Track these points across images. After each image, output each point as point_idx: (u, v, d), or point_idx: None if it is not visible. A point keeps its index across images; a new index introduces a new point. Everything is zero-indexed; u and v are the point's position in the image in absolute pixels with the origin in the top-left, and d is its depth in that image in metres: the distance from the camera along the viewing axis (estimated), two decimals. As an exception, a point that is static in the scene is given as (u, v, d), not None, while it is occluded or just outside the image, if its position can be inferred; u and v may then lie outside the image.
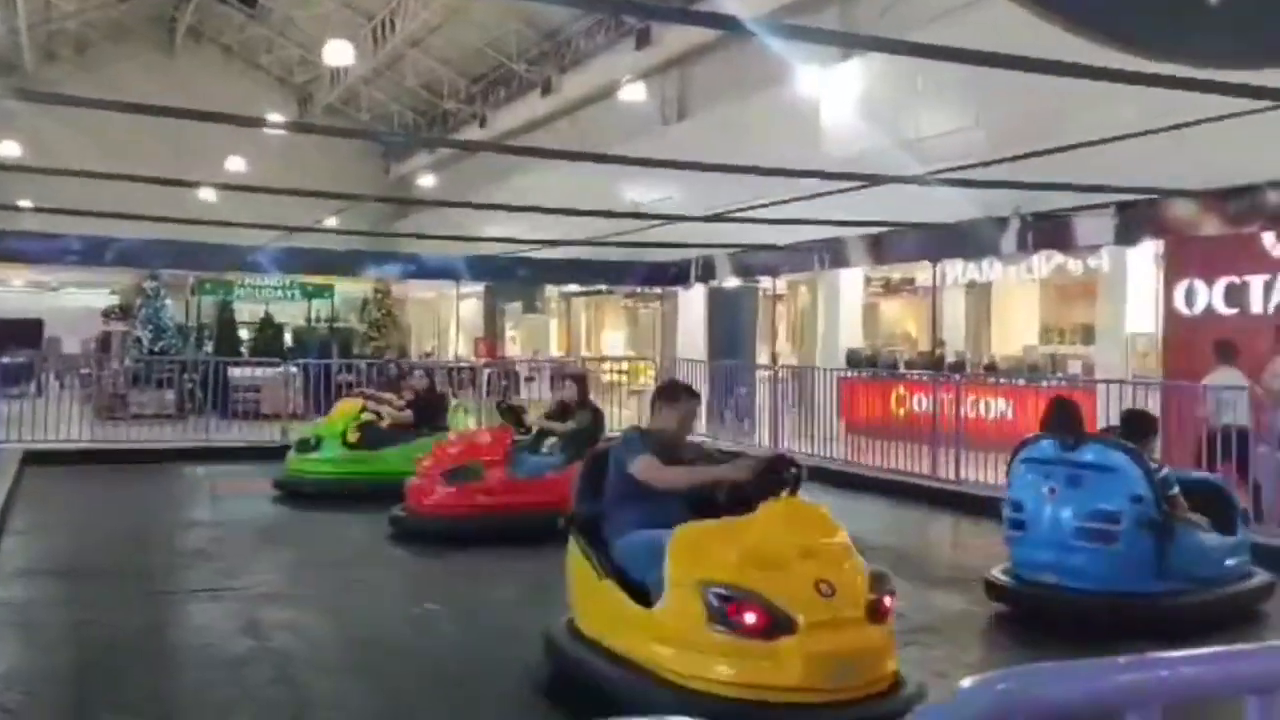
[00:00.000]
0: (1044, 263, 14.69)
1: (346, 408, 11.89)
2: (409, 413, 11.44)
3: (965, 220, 12.13)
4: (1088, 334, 15.09)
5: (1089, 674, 1.50)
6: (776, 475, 4.95)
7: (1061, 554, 6.40)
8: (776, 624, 4.26)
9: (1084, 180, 9.58)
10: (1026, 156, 9.68)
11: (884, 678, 4.47)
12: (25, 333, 22.41)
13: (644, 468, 5.01)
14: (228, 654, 5.77)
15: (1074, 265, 14.08)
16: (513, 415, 9.88)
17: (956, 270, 16.45)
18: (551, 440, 9.60)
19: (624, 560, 4.89)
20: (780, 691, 4.24)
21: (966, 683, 1.41)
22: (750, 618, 4.26)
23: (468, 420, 12.43)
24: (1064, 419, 6.98)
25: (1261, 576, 6.83)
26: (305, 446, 11.35)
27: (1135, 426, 6.97)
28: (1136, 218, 10.59)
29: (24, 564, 7.90)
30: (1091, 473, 6.43)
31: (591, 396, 10.19)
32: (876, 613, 4.47)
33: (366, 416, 11.48)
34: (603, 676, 4.68)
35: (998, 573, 6.86)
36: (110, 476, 12.62)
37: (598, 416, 9.70)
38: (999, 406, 12.68)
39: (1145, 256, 11.83)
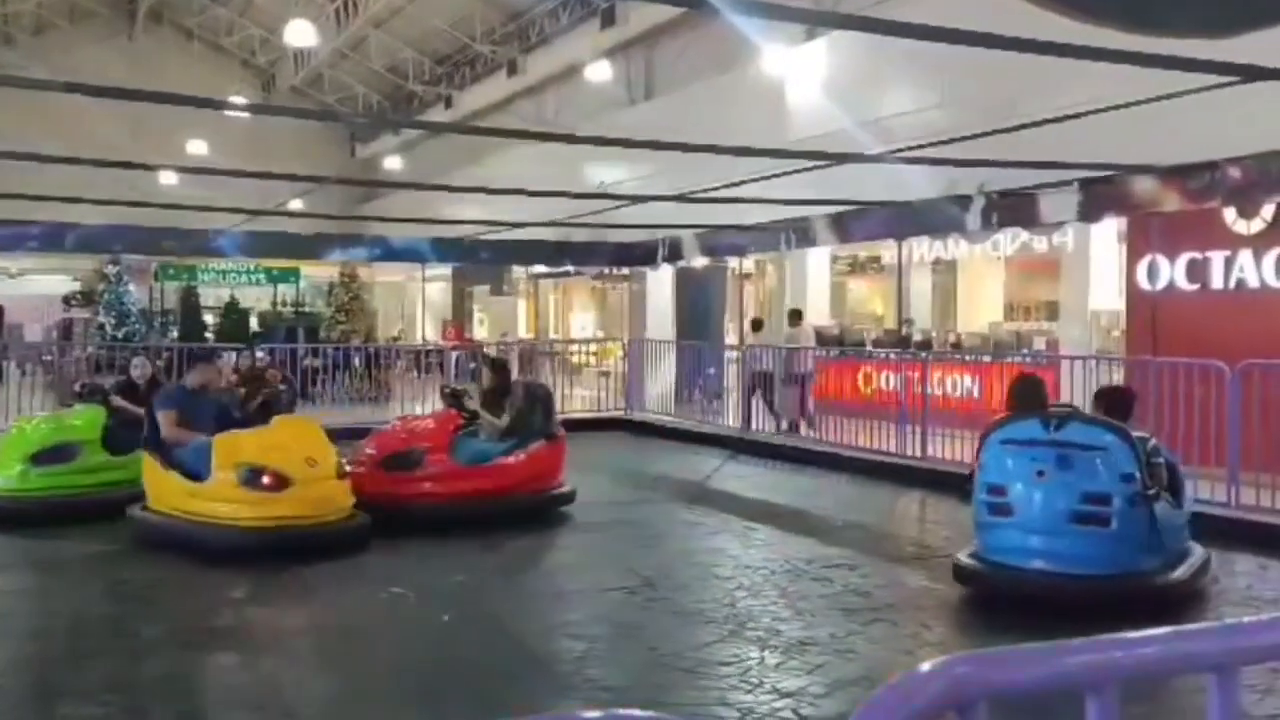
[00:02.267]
0: (1009, 241, 14.77)
1: None
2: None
3: (930, 199, 12.16)
4: (1052, 311, 15.20)
5: (1047, 656, 1.50)
6: (268, 405, 8.69)
7: (1053, 539, 6.17)
8: (283, 481, 7.47)
9: (1047, 158, 9.61)
10: (990, 134, 9.71)
11: (343, 509, 7.82)
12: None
13: (160, 420, 8.09)
14: (194, 639, 5.73)
15: (1038, 243, 14.17)
16: (455, 400, 9.55)
17: (923, 248, 16.52)
18: (489, 426, 9.30)
19: (184, 461, 7.84)
20: (285, 520, 7.43)
21: (925, 666, 1.40)
22: (267, 480, 7.46)
23: None
24: (1036, 396, 6.96)
25: (1199, 549, 6.72)
26: None
27: (1115, 402, 6.85)
28: (1099, 195, 10.65)
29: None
30: (1080, 453, 6.21)
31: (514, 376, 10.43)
32: (339, 474, 7.83)
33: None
34: (175, 530, 7.62)
35: (966, 558, 6.61)
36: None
37: (532, 394, 9.63)
38: (965, 384, 12.76)
39: (1108, 233, 11.91)
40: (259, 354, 13.46)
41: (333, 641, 5.91)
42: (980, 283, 18.14)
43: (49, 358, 18.84)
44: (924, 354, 13.02)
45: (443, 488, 8.72)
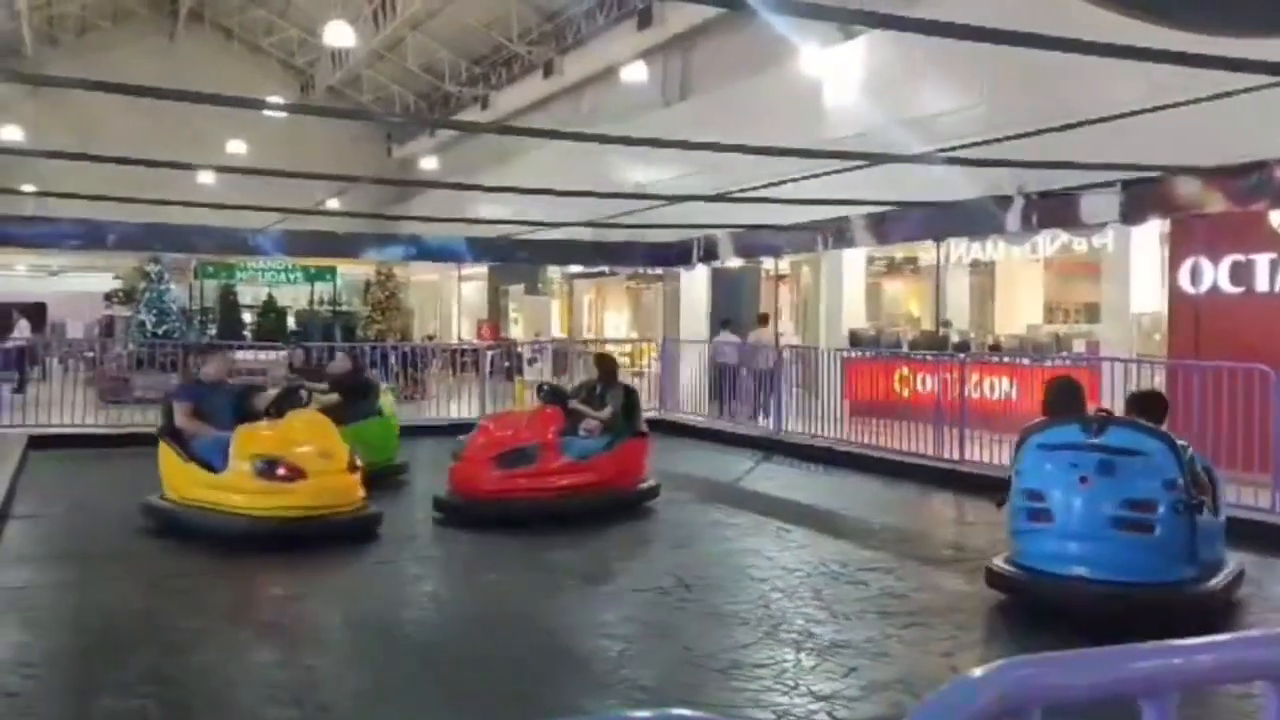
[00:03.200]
0: (1048, 242, 14.61)
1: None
2: (335, 395, 11.23)
3: (969, 199, 12.05)
4: (1092, 313, 15.03)
5: (1103, 662, 1.47)
6: (292, 398, 8.70)
7: (1095, 546, 6.01)
8: (297, 473, 7.81)
9: (1089, 158, 9.50)
10: (1031, 135, 9.61)
11: (355, 501, 8.16)
12: (30, 317, 22.37)
13: (179, 412, 8.51)
14: (229, 635, 5.76)
15: (1078, 244, 13.99)
16: (555, 396, 9.80)
17: (960, 249, 16.37)
18: (589, 422, 9.64)
19: (200, 451, 8.20)
20: (298, 510, 7.77)
21: (978, 671, 1.37)
22: (282, 471, 7.79)
23: (393, 405, 12.01)
24: (1073, 399, 6.84)
25: (1233, 557, 6.57)
26: None
27: (1151, 407, 6.71)
28: (1142, 196, 10.51)
29: (27, 548, 7.90)
30: (1123, 458, 6.05)
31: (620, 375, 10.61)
32: (351, 468, 8.15)
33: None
34: (191, 519, 7.99)
35: (1001, 563, 6.46)
36: (113, 460, 12.61)
37: (630, 393, 10.05)
38: (1003, 386, 12.63)
39: (1150, 235, 11.75)
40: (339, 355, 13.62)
41: (370, 637, 5.92)
42: (1019, 284, 17.97)
43: (90, 354, 19.07)
44: (962, 356, 12.91)
45: (551, 483, 9.02)
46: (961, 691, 1.38)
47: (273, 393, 8.74)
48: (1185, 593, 6.00)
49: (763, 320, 16.87)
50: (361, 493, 8.22)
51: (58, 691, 4.95)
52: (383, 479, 9.99)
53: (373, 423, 10.90)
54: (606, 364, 10.37)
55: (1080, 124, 9.17)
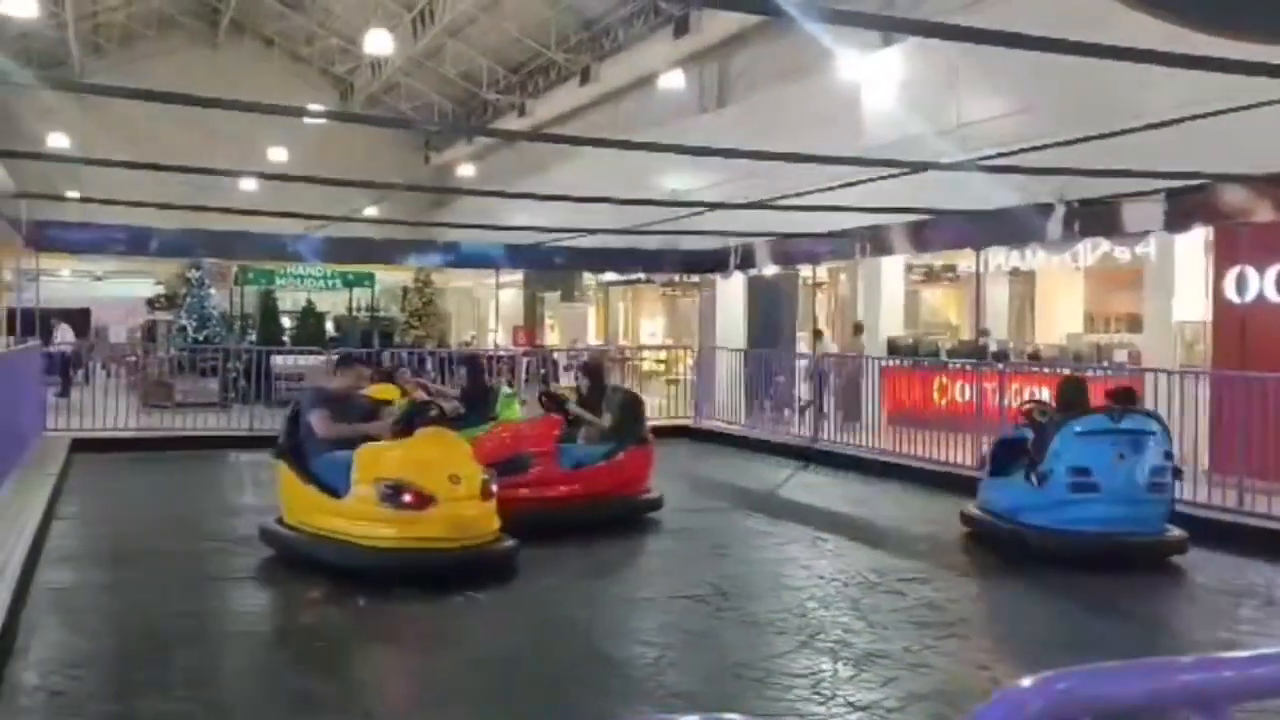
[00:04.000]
0: (1089, 250, 14.46)
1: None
2: (460, 406, 11.36)
3: (1009, 207, 11.95)
4: (1134, 323, 14.84)
5: (1155, 673, 1.45)
6: (420, 417, 7.67)
7: (1134, 507, 7.64)
8: (424, 500, 6.87)
9: (1132, 166, 9.39)
10: (1072, 142, 9.52)
11: (488, 533, 7.24)
12: (74, 322, 22.70)
13: (317, 419, 7.58)
14: (271, 639, 5.81)
15: (1120, 253, 13.84)
16: (555, 404, 9.73)
17: (999, 258, 16.24)
18: (589, 429, 9.55)
19: (321, 472, 7.36)
20: (427, 541, 6.91)
21: (1026, 681, 1.36)
22: (407, 497, 6.86)
23: (522, 410, 11.97)
24: (1083, 395, 8.30)
25: None
26: None
27: (1133, 398, 8.35)
28: (1186, 204, 10.37)
29: (71, 549, 8.01)
30: (1144, 438, 7.76)
31: (609, 380, 10.75)
32: (485, 494, 7.19)
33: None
34: (310, 548, 7.17)
35: (1034, 522, 7.79)
36: (155, 463, 12.78)
37: (633, 400, 9.88)
38: (1043, 396, 12.48)
39: (1194, 243, 11.60)
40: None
41: (410, 643, 5.96)
42: (1058, 293, 17.78)
43: (133, 359, 19.33)
44: (1001, 365, 12.80)
45: (546, 492, 8.79)
46: (1007, 704, 1.36)
47: (387, 425, 7.76)
48: (1172, 539, 7.81)
49: (857, 330, 16.41)
50: (496, 522, 7.31)
51: (101, 692, 5.01)
52: None
53: (490, 430, 10.49)
54: (592, 372, 10.12)
55: (1123, 131, 9.07)
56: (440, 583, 6.70)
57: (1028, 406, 8.86)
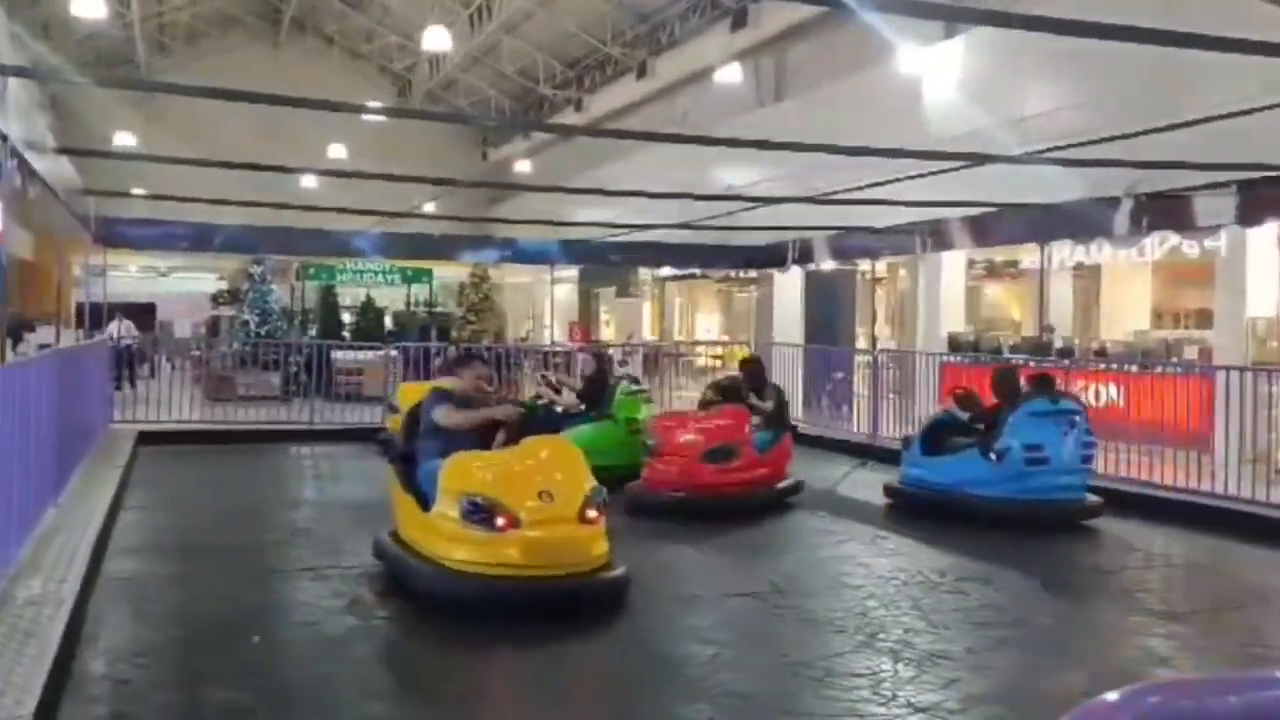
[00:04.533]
0: (1157, 245, 14.15)
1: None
2: (574, 398, 11.32)
3: (1074, 201, 11.72)
4: (1203, 319, 14.50)
5: (1242, 687, 1.38)
6: (534, 420, 7.03)
7: (1072, 476, 9.09)
8: (510, 520, 6.02)
9: (1203, 158, 9.15)
10: (1141, 134, 9.30)
11: (591, 560, 6.25)
12: (139, 317, 23.13)
13: (442, 413, 6.88)
14: (331, 632, 5.85)
15: (1189, 247, 13.52)
16: (730, 394, 10.32)
17: (1063, 253, 15.95)
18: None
19: (421, 481, 6.64)
20: (511, 568, 6.02)
21: (1112, 695, 1.30)
22: (499, 520, 6.02)
23: (649, 408, 11.38)
24: (1016, 382, 9.52)
25: None
26: None
27: (1052, 384, 9.63)
28: (1259, 197, 10.09)
29: (138, 540, 8.14)
30: (1075, 417, 9.22)
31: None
32: (583, 515, 6.21)
33: (541, 401, 11.43)
34: (406, 566, 6.45)
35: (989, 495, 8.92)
36: (218, 456, 12.98)
37: (779, 391, 10.72)
38: (1109, 393, 12.25)
39: (1267, 237, 11.29)
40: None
41: (466, 636, 5.95)
42: (1125, 288, 17.43)
43: (197, 353, 19.65)
44: (1066, 361, 12.56)
45: (747, 477, 9.65)
46: (1094, 715, 1.31)
47: (511, 409, 7.09)
48: (1095, 503, 9.21)
49: (1047, 330, 15.85)
50: (603, 547, 6.38)
51: (167, 681, 5.08)
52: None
53: (605, 427, 10.72)
54: (754, 366, 10.89)
55: (1194, 122, 8.85)
56: (526, 617, 5.92)
57: (959, 392, 10.06)
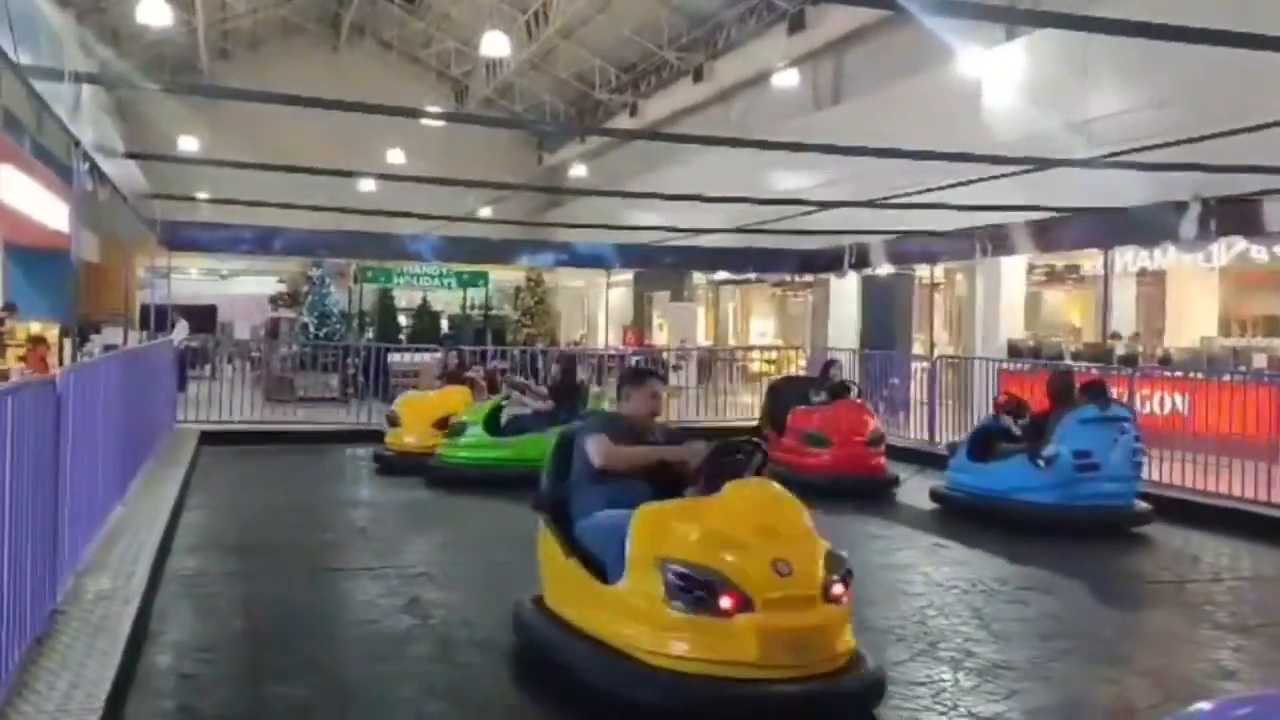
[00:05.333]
0: (1224, 250, 13.87)
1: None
2: (549, 402, 11.47)
3: (1140, 205, 11.51)
4: (1273, 325, 14.19)
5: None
6: (729, 458, 5.13)
7: (1123, 484, 9.16)
8: (739, 602, 4.39)
9: (1273, 161, 8.95)
10: (1209, 137, 9.12)
11: (838, 656, 4.57)
12: (201, 318, 23.55)
13: (594, 447, 5.24)
14: (389, 630, 5.90)
15: (1257, 252, 13.25)
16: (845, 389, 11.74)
17: (1126, 258, 15.69)
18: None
19: (587, 539, 5.04)
20: (738, 667, 4.36)
21: (1205, 705, 1.26)
22: (723, 601, 4.37)
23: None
24: (1071, 389, 9.55)
25: None
26: (455, 432, 11.39)
27: (1104, 390, 9.61)
28: (1332, 201, 9.86)
29: (201, 538, 8.27)
30: (1125, 424, 9.28)
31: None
32: (830, 594, 4.58)
33: (509, 404, 11.64)
34: (569, 651, 4.87)
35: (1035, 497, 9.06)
36: (277, 456, 13.16)
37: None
38: (1174, 402, 12.01)
39: (1340, 243, 11.04)
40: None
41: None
42: (1191, 294, 17.08)
43: (256, 354, 19.95)
44: (1130, 369, 12.33)
45: (881, 461, 11.21)
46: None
47: (701, 446, 5.26)
48: (1145, 510, 9.26)
49: (1113, 337, 15.56)
50: (848, 640, 4.68)
51: (230, 676, 5.15)
52: None
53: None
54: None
55: (1263, 126, 8.65)
56: None
57: (1005, 400, 10.40)
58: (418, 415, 12.11)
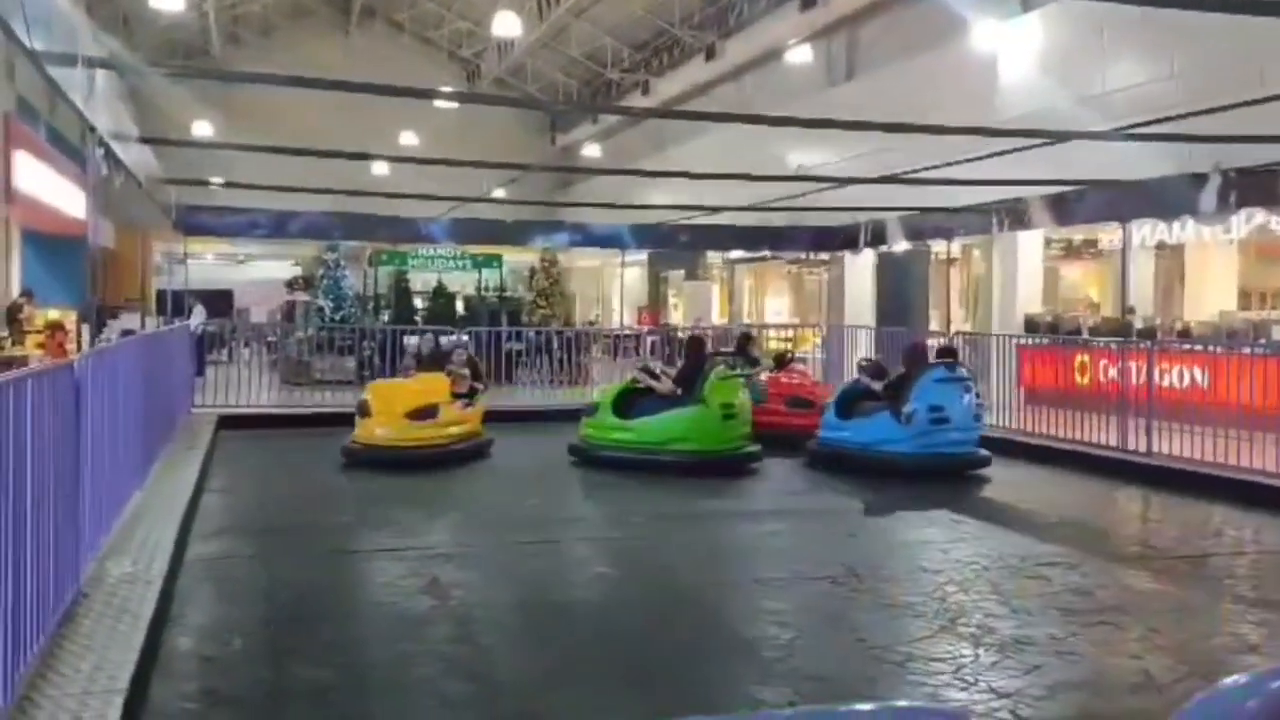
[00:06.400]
0: (1244, 222, 13.72)
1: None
2: (678, 389, 11.20)
3: (1158, 178, 11.39)
4: (1292, 298, 14.05)
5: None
6: None
7: (968, 433, 10.63)
8: None
9: (1295, 131, 8.85)
10: (1230, 108, 9.01)
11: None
12: (218, 303, 23.61)
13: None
14: (409, 611, 5.92)
15: (1278, 224, 13.11)
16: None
17: (1144, 231, 15.55)
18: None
19: None
20: None
21: (1239, 679, 1.24)
22: None
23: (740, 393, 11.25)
24: (925, 354, 11.12)
25: None
26: (589, 413, 11.34)
27: (953, 351, 11.42)
28: (1354, 171, 9.74)
29: (221, 522, 8.30)
30: (968, 383, 10.78)
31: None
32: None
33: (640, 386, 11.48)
34: None
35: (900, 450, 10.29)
36: (295, 439, 13.19)
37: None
38: (1193, 375, 11.92)
39: (1362, 213, 10.91)
40: (454, 338, 14.21)
41: (542, 618, 5.99)
42: (1209, 267, 16.93)
43: (273, 339, 20.00)
44: (1149, 343, 12.25)
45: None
46: (1221, 701, 1.25)
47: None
48: (985, 455, 10.78)
49: (1128, 311, 15.44)
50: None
51: (251, 658, 5.18)
52: None
53: (695, 412, 10.67)
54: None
55: (1285, 95, 8.54)
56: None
57: (864, 362, 11.95)
58: (389, 405, 11.12)
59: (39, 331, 13.95)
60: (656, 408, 10.92)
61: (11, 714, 3.80)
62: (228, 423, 13.15)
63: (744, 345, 14.47)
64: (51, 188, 13.94)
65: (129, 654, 4.52)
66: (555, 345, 17.57)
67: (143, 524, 7.09)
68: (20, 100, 15.31)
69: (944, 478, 10.19)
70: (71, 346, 12.56)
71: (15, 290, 15.75)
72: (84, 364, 5.69)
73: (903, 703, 1.16)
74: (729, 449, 10.76)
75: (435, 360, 12.70)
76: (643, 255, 27.88)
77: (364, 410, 11.23)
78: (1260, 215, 12.38)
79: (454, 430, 11.30)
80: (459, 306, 24.92)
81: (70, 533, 5.11)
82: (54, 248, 17.44)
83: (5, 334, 13.70)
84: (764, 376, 13.20)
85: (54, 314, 15.11)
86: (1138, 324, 14.27)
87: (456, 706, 4.66)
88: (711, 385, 10.84)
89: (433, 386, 11.47)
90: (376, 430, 11.01)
